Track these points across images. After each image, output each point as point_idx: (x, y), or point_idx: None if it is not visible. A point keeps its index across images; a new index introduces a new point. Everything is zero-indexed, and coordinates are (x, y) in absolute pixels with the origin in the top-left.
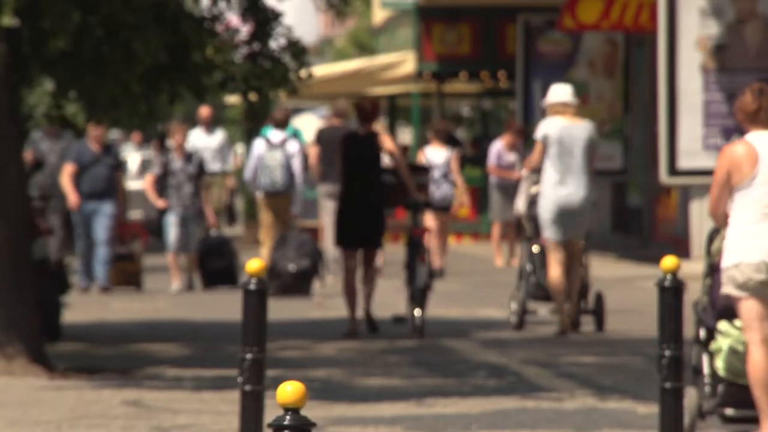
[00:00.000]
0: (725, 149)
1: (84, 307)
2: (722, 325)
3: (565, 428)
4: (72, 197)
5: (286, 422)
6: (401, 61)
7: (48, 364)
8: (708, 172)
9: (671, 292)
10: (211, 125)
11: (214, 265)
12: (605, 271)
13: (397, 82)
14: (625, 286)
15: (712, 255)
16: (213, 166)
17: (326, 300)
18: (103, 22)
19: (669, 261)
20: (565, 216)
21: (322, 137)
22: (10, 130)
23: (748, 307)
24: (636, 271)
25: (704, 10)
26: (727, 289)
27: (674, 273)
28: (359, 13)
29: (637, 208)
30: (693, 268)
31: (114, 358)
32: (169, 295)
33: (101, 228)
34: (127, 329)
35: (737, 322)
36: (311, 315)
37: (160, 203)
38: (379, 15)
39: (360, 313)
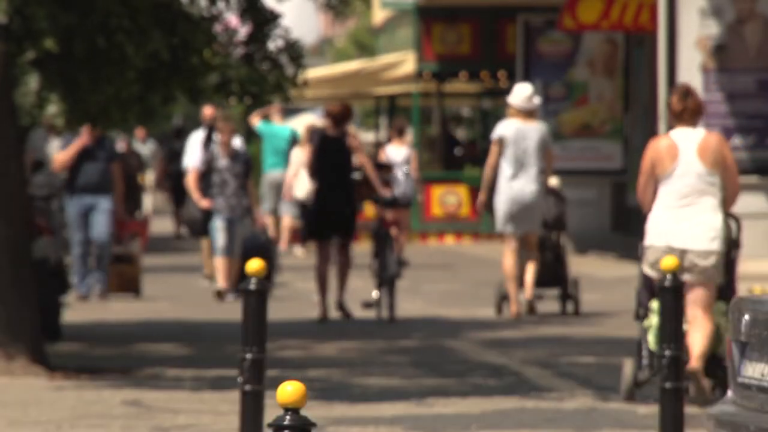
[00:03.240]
0: (651, 143)
1: (84, 307)
2: (653, 303)
3: (565, 428)
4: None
5: (286, 422)
6: (401, 61)
7: (48, 364)
8: None
9: (671, 292)
10: (213, 127)
11: None
12: (605, 271)
13: (397, 82)
14: (625, 286)
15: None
16: None
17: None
18: (100, 24)
19: (669, 261)
20: (518, 210)
21: (314, 137)
22: (9, 129)
23: None
24: (636, 271)
25: (704, 10)
26: (644, 268)
27: (674, 273)
28: (359, 13)
29: (637, 208)
30: None
31: (114, 358)
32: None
33: (100, 227)
34: (127, 329)
35: None
36: (311, 315)
37: (204, 203)
38: (379, 15)
39: (332, 301)
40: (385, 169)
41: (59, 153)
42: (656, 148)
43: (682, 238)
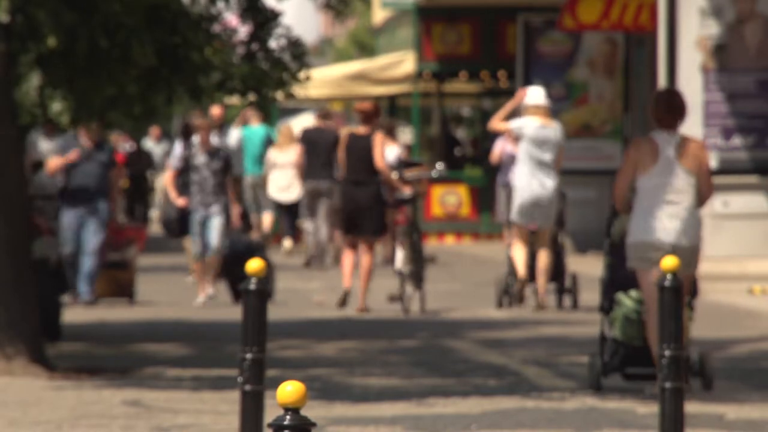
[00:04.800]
0: (632, 143)
1: (84, 307)
2: (618, 296)
3: (565, 428)
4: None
5: (286, 422)
6: (401, 61)
7: (48, 364)
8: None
9: (671, 292)
10: (223, 126)
11: (243, 273)
12: None
13: (397, 82)
14: None
15: (613, 236)
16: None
17: (326, 300)
18: (101, 23)
19: (669, 261)
20: (533, 206)
21: (304, 138)
22: (9, 129)
23: (647, 279)
24: None
25: (704, 10)
26: (631, 263)
27: (674, 273)
28: (359, 13)
29: None
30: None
31: (114, 358)
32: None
33: (91, 235)
34: (127, 329)
35: (632, 293)
36: (311, 315)
37: (180, 201)
38: (379, 15)
39: (350, 285)
40: (415, 166)
41: (53, 158)
42: (637, 148)
43: (668, 234)
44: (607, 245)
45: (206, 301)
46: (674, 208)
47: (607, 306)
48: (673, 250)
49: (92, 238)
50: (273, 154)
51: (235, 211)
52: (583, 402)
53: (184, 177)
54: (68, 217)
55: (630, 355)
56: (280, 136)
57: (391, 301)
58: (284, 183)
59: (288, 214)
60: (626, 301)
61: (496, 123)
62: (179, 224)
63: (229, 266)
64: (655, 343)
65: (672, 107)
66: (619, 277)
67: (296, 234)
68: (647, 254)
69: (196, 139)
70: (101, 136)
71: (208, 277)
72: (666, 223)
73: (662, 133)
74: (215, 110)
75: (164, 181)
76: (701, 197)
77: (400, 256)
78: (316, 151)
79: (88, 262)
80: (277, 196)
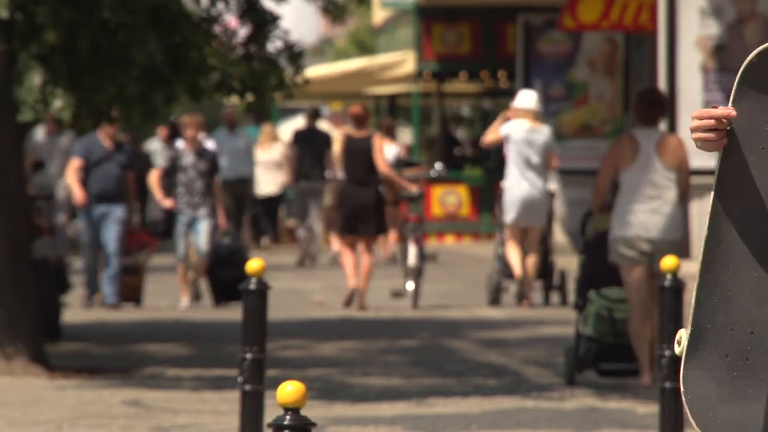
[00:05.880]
0: (614, 141)
1: (84, 306)
2: (591, 294)
3: (565, 428)
4: (78, 193)
5: (286, 422)
6: (401, 61)
7: (48, 364)
8: (708, 172)
9: (671, 292)
10: (235, 125)
11: (226, 275)
12: None
13: (397, 82)
14: None
15: (587, 235)
16: (241, 169)
17: (326, 300)
18: (102, 22)
19: (669, 261)
20: (523, 206)
21: (297, 139)
22: (9, 128)
23: (629, 275)
24: None
25: (704, 10)
26: (613, 258)
27: (674, 273)
28: (357, 14)
29: None
30: (693, 268)
31: (114, 358)
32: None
33: (111, 237)
34: (127, 329)
35: (603, 291)
36: (311, 315)
37: (166, 203)
38: (379, 15)
39: (356, 283)
40: (415, 166)
41: (74, 160)
42: (619, 145)
43: (648, 230)
44: (582, 244)
45: (190, 306)
46: (654, 204)
47: (581, 303)
48: (653, 245)
49: (112, 241)
50: (258, 154)
51: (221, 212)
52: (583, 402)
53: (170, 178)
54: (85, 217)
55: (603, 351)
56: (261, 135)
57: (394, 297)
58: (266, 181)
59: (267, 209)
60: (597, 298)
61: (488, 138)
62: (166, 226)
63: (212, 270)
64: (636, 338)
65: (652, 104)
66: (591, 275)
67: (276, 229)
68: (627, 250)
69: (181, 142)
70: (119, 137)
71: (191, 281)
72: (646, 219)
73: (643, 129)
74: (227, 108)
75: (150, 182)
76: (681, 193)
77: (413, 252)
78: (308, 152)
79: (111, 265)
80: (259, 193)
